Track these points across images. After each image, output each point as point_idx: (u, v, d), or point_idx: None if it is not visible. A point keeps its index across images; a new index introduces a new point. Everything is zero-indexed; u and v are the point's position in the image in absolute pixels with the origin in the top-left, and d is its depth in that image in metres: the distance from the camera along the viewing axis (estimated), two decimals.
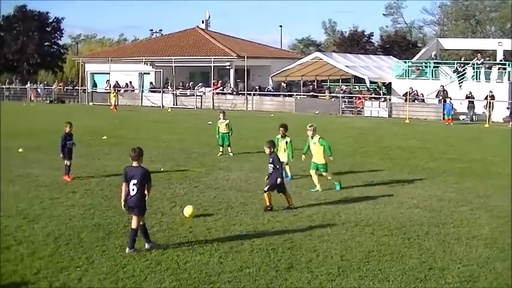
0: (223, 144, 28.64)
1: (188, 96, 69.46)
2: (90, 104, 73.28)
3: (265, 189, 18.16)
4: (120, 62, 75.79)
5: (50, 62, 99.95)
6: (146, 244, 14.11)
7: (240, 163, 26.35)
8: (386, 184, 22.09)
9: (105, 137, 33.65)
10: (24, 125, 43.98)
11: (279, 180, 17.96)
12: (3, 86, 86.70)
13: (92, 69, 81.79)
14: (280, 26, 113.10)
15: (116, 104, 63.61)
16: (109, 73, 76.66)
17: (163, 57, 72.42)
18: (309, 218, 16.88)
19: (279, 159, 18.64)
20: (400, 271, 12.56)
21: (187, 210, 17.12)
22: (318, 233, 15.39)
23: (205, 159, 27.05)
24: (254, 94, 65.17)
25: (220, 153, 28.48)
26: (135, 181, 13.66)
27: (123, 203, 13.87)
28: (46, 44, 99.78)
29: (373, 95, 60.50)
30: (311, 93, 65.30)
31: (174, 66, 69.81)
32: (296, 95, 63.98)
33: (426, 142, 35.29)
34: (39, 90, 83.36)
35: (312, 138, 21.87)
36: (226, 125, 28.73)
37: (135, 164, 13.84)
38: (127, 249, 13.75)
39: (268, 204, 18.02)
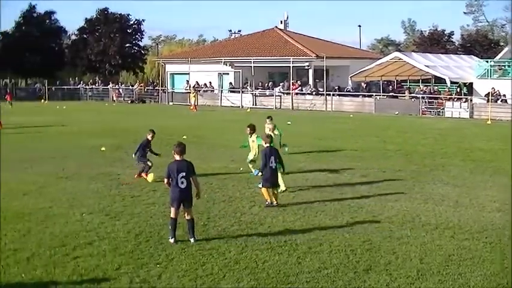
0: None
1: (267, 96, 69.64)
2: (170, 103, 74.10)
3: (259, 185, 18.57)
4: (200, 63, 76.52)
5: (131, 63, 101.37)
6: (192, 239, 14.54)
7: (319, 163, 26.31)
8: (468, 186, 21.72)
9: (185, 137, 33.94)
10: (106, 125, 44.71)
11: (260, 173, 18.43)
12: (87, 87, 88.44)
13: (171, 70, 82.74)
14: (359, 26, 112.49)
15: (196, 104, 64.15)
16: (188, 73, 77.41)
17: (243, 58, 72.74)
18: (388, 220, 16.77)
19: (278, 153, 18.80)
20: (482, 276, 12.33)
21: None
22: (397, 235, 15.29)
23: (283, 160, 27.14)
24: (333, 94, 64.93)
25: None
26: (183, 174, 14.26)
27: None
28: (127, 45, 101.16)
29: (454, 96, 59.66)
30: (391, 94, 64.80)
31: (253, 66, 70.09)
32: (375, 95, 63.54)
33: (509, 144, 34.64)
34: (120, 90, 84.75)
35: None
36: (270, 129, 28.42)
37: (178, 157, 14.40)
38: (170, 239, 14.51)
39: (271, 200, 18.29)
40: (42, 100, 78.22)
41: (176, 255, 13.52)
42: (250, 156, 22.91)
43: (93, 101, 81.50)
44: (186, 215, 14.72)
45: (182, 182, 14.34)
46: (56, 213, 16.44)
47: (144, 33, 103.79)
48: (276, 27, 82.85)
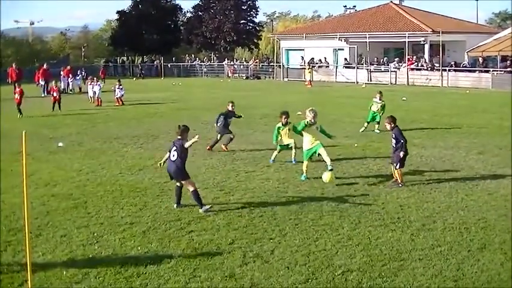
0: (373, 121, 28.40)
1: (382, 71, 69.01)
2: (285, 79, 74.25)
3: (397, 166, 17.92)
4: (314, 39, 76.45)
5: (246, 40, 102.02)
6: (200, 209, 15.23)
7: (434, 140, 26.01)
8: None
9: (299, 112, 34.00)
10: (221, 100, 45.25)
11: (402, 154, 17.73)
12: (202, 63, 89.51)
13: (286, 46, 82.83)
14: (476, 0, 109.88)
15: (311, 79, 64.16)
16: (303, 49, 77.42)
17: (358, 33, 72.40)
18: (503, 198, 16.46)
19: (402, 133, 18.10)
20: None
21: (326, 177, 17.73)
22: None
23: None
24: (449, 70, 63.81)
25: (364, 128, 28.40)
26: (174, 148, 15.35)
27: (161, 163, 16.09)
28: (242, 22, 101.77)
29: None
30: (508, 69, 63.17)
31: (368, 42, 69.58)
32: (492, 71, 62.05)
33: None
34: (235, 66, 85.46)
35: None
36: (381, 106, 28.28)
37: (178, 137, 15.52)
38: (174, 205, 15.63)
39: (400, 180, 17.87)
40: (134, 78, 78.92)
41: (289, 231, 13.68)
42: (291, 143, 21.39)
43: (208, 78, 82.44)
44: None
45: (173, 155, 15.37)
46: (171, 188, 16.76)
47: (258, 9, 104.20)
48: (392, 1, 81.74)
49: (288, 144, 20.99)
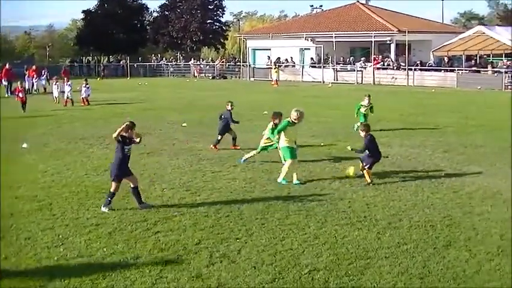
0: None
1: (349, 71, 69.29)
2: (252, 79, 74.30)
3: (366, 166, 18.25)
4: (281, 38, 76.63)
5: (212, 39, 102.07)
6: (138, 205, 15.51)
7: (401, 139, 26.15)
8: None
9: (265, 112, 34.07)
10: (188, 100, 45.18)
11: (372, 160, 18.38)
12: (168, 63, 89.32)
13: (253, 45, 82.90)
14: (442, 0, 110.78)
15: (277, 79, 64.26)
16: (270, 49, 77.52)
17: (324, 33, 72.59)
18: (468, 196, 16.63)
19: (372, 142, 18.49)
20: None
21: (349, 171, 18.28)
22: (477, 210, 15.16)
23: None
24: (415, 69, 64.29)
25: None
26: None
27: None
28: (208, 21, 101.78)
29: None
30: (473, 68, 63.71)
31: (335, 41, 69.84)
32: (458, 70, 62.62)
33: None
34: (202, 66, 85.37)
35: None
36: (370, 108, 28.34)
37: (123, 134, 15.29)
38: (102, 207, 15.45)
39: (369, 180, 18.08)
40: (99, 78, 78.03)
41: (256, 230, 13.67)
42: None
43: (174, 78, 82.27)
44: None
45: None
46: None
47: (225, 9, 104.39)
48: (358, 1, 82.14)
49: (271, 145, 20.68)
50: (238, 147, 23.72)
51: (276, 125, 19.85)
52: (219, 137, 24.03)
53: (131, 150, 15.73)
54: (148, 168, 20.44)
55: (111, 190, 15.39)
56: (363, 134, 18.63)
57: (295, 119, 18.60)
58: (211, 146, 24.00)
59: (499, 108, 39.17)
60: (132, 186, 15.64)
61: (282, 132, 18.58)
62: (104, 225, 14.10)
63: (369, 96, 28.75)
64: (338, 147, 24.25)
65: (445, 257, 11.93)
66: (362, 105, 28.34)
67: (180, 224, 14.17)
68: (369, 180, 18.08)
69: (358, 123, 26.71)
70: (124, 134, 15.33)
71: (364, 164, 18.28)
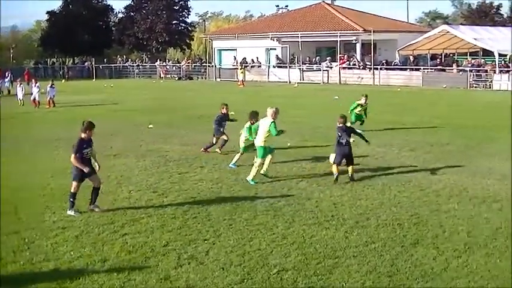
0: (357, 121, 28.24)
1: (315, 71, 69.42)
2: (218, 80, 74.19)
3: (334, 160, 18.61)
4: (247, 38, 76.60)
5: (178, 40, 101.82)
6: (89, 205, 15.45)
7: (367, 137, 26.17)
8: None
9: (232, 113, 34.00)
10: (154, 102, 45.01)
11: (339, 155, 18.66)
12: (134, 64, 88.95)
13: (219, 46, 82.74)
14: (407, 0, 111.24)
15: (244, 79, 64.25)
16: (236, 49, 77.49)
17: (290, 33, 72.65)
18: (435, 193, 16.74)
19: (346, 131, 18.82)
20: None
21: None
22: (444, 208, 15.28)
23: (332, 134, 27.01)
24: (381, 68, 64.60)
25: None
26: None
27: None
28: (174, 22, 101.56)
29: (502, 68, 58.79)
30: (438, 67, 64.16)
31: (300, 41, 69.96)
32: (423, 68, 63.01)
33: None
34: (168, 67, 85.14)
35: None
36: (364, 109, 28.40)
37: (83, 135, 15.26)
38: (67, 210, 15.23)
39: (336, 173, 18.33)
40: (63, 80, 77.12)
41: (224, 231, 13.65)
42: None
43: (140, 79, 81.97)
44: None
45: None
46: (103, 190, 16.57)
47: (190, 9, 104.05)
48: (323, 1, 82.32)
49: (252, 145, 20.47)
50: (222, 153, 23.11)
51: (252, 124, 20.10)
52: (214, 140, 23.52)
53: (94, 152, 15.62)
54: (115, 170, 20.31)
55: (71, 190, 15.27)
56: (338, 122, 19.05)
57: (274, 117, 18.88)
58: (202, 149, 23.41)
59: (463, 106, 39.54)
60: (94, 186, 15.55)
61: (266, 132, 18.77)
62: (71, 228, 13.99)
63: (366, 96, 28.73)
64: (305, 147, 24.27)
65: (412, 255, 12.00)
66: (359, 105, 28.32)
67: (148, 226, 14.10)
68: (335, 174, 18.30)
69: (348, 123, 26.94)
70: (83, 135, 15.25)
71: (333, 158, 18.66)
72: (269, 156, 18.84)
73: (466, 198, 16.23)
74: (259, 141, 18.87)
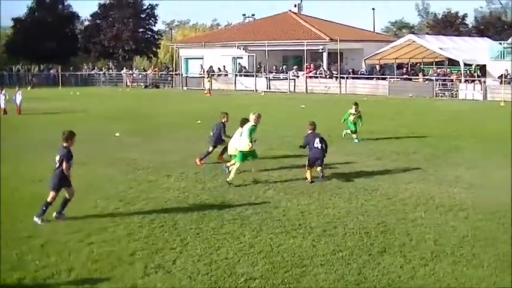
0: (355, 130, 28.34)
1: (281, 80, 69.52)
2: (185, 88, 74.07)
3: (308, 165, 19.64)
4: (214, 47, 76.48)
5: (145, 48, 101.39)
6: (55, 213, 15.31)
7: (334, 146, 26.12)
8: (481, 168, 21.74)
9: (199, 121, 33.99)
10: (120, 110, 44.79)
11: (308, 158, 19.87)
12: (100, 72, 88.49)
13: (185, 55, 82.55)
14: (373, 9, 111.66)
15: (210, 88, 64.17)
16: (202, 58, 77.42)
17: (256, 42, 72.66)
18: (402, 202, 16.81)
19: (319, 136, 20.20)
20: (495, 257, 12.37)
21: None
22: (411, 217, 15.34)
23: (299, 143, 27.10)
24: (347, 77, 64.88)
25: (356, 139, 28.12)
26: (57, 157, 15.27)
27: None
28: (141, 30, 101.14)
29: (467, 78, 59.33)
30: (404, 76, 64.58)
31: (267, 50, 70.01)
32: (389, 78, 63.40)
33: None
34: (134, 75, 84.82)
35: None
36: (358, 117, 28.44)
37: (65, 144, 15.37)
38: (35, 217, 15.06)
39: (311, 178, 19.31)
40: (29, 88, 76.08)
41: (191, 240, 13.59)
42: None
43: (107, 87, 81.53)
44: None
45: (56, 165, 15.45)
46: (71, 199, 16.48)
47: (157, 18, 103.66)
48: (290, 10, 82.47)
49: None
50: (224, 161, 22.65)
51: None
52: (210, 149, 22.90)
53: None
54: (82, 178, 20.08)
55: (48, 200, 15.17)
56: (307, 129, 20.35)
57: (256, 122, 19.67)
58: (197, 159, 22.75)
59: (430, 116, 39.80)
60: (67, 197, 15.43)
61: (250, 136, 19.42)
62: (37, 237, 13.84)
63: (356, 104, 28.90)
64: (271, 155, 24.25)
65: (380, 263, 12.02)
66: (351, 114, 28.40)
67: (114, 235, 14.00)
68: (308, 179, 19.11)
69: (348, 131, 27.36)
70: (65, 144, 15.39)
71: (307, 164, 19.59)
72: (238, 164, 19.34)
73: (433, 207, 16.31)
74: (245, 146, 19.47)
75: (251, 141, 19.33)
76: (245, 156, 19.47)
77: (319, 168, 19.55)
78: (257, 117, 19.78)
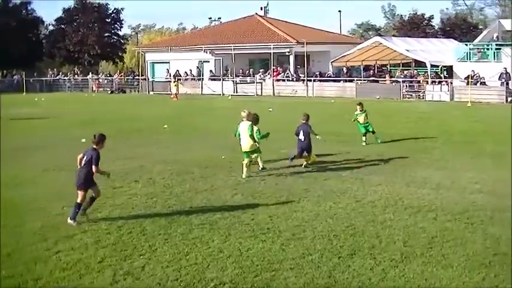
0: (367, 132, 28.29)
1: (248, 83, 69.58)
2: (151, 93, 73.93)
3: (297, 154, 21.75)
4: (180, 51, 76.37)
5: (111, 53, 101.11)
6: (81, 210, 15.51)
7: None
8: (449, 169, 21.82)
9: (165, 126, 33.86)
10: (87, 116, 44.49)
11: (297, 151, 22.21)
12: (66, 78, 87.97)
13: (152, 59, 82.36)
14: (339, 11, 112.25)
15: (177, 92, 64.05)
16: (169, 62, 77.26)
17: (223, 45, 72.65)
18: (371, 204, 16.80)
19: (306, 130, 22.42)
20: (464, 257, 12.39)
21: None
22: (380, 219, 15.32)
23: (266, 146, 27.04)
24: (314, 80, 65.07)
25: (364, 142, 28.10)
26: (84, 158, 15.66)
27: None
28: (106, 35, 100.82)
29: (434, 79, 59.76)
30: (372, 78, 64.87)
31: (234, 53, 70.03)
32: (357, 80, 63.68)
33: (489, 126, 34.79)
34: (100, 80, 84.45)
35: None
36: (366, 115, 28.37)
37: (95, 146, 15.63)
38: (68, 219, 15.23)
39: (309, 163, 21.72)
40: None
41: (159, 246, 13.46)
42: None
43: (73, 92, 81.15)
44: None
45: (83, 166, 15.67)
46: (35, 207, 16.30)
47: (123, 22, 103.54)
48: (256, 13, 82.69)
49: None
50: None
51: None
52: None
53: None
54: (48, 185, 19.94)
55: (78, 201, 15.34)
56: (301, 120, 22.85)
57: (249, 119, 21.29)
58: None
59: (397, 117, 39.96)
60: (93, 195, 15.88)
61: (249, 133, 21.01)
62: (2, 247, 13.60)
63: (360, 104, 29.01)
64: (238, 160, 24.14)
65: (350, 266, 11.97)
66: (358, 115, 28.35)
67: (82, 242, 13.82)
68: (304, 163, 21.69)
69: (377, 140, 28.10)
70: (95, 146, 15.68)
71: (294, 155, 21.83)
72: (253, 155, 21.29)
73: (402, 208, 16.32)
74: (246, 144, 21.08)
75: (259, 139, 21.18)
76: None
77: (307, 157, 21.96)
78: (247, 115, 21.53)
